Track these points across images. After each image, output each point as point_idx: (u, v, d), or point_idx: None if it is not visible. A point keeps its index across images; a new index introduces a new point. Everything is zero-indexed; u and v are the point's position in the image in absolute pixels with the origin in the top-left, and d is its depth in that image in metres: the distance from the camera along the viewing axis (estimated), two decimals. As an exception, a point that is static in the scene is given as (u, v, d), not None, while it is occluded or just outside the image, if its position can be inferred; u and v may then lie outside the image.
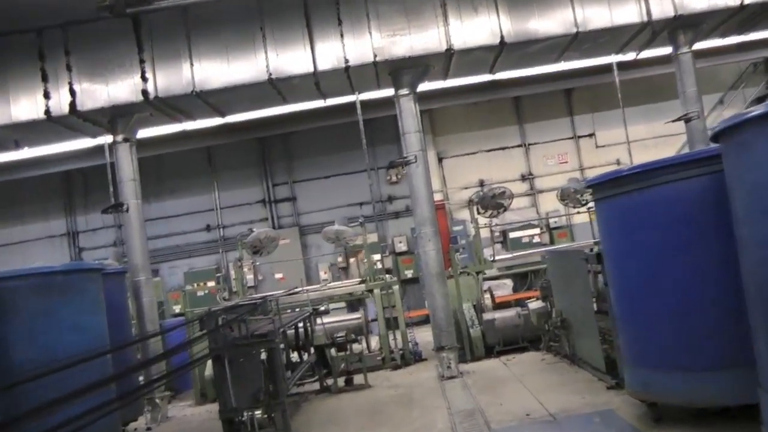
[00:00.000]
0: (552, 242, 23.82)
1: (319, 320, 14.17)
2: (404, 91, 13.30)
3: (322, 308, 14.23)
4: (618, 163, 24.41)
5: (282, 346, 13.54)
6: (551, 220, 24.30)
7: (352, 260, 23.83)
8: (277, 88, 13.42)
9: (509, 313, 14.58)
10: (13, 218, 25.82)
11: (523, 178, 24.73)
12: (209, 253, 25.56)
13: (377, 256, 17.49)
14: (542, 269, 16.08)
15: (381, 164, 24.25)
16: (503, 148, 24.94)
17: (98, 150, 21.45)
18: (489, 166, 24.43)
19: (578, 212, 17.45)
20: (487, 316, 14.59)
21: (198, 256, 25.53)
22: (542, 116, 24.93)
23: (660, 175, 7.32)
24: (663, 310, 7.46)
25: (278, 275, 24.38)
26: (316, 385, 13.93)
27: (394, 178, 24.57)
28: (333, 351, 13.62)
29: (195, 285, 24.44)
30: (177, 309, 23.95)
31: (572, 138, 24.98)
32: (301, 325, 13.97)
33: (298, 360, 14.03)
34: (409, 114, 13.22)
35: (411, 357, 15.36)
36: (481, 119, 24.83)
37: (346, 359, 13.71)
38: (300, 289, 15.41)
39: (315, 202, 24.77)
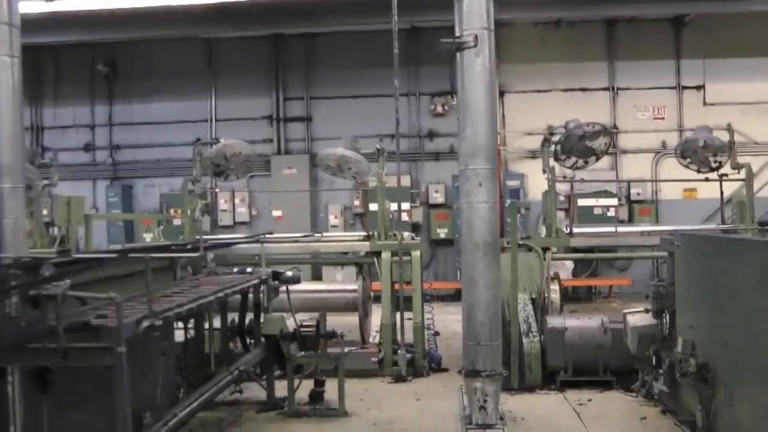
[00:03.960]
0: (631, 218, 18.55)
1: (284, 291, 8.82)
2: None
3: (289, 273, 8.74)
4: (729, 128, 18.69)
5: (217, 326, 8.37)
6: (633, 191, 18.76)
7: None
8: None
9: (590, 322, 9.01)
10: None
11: (605, 130, 18.95)
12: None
13: (399, 205, 11.99)
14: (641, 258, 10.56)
15: (426, 89, 19.05)
16: (584, 90, 19.44)
17: (80, 20, 16.81)
18: (563, 109, 18.50)
19: (706, 180, 11.65)
20: (552, 321, 9.08)
21: (182, 175, 20.17)
22: (640, 54, 19.17)
23: None
24: None
25: (276, 212, 19.38)
26: (263, 392, 8.61)
27: (439, 109, 19.34)
28: (293, 347, 8.21)
29: (173, 211, 19.36)
30: (148, 238, 19.15)
31: (675, 88, 19.34)
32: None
33: (241, 350, 8.77)
34: (471, -37, 7.56)
35: (424, 365, 9.96)
36: (560, 48, 19.30)
37: (316, 360, 8.31)
38: (247, 238, 9.99)
39: (335, 126, 19.12)
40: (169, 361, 6.72)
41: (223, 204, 20.24)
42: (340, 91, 19.68)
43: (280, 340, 8.06)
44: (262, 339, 8.27)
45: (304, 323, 8.23)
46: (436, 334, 11.95)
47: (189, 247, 8.84)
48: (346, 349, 9.48)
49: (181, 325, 7.47)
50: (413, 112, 19.38)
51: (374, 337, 11.05)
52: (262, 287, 8.34)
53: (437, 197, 19.05)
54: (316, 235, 11.44)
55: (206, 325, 8.20)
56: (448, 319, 13.63)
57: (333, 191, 19.18)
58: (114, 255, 6.22)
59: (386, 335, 9.96)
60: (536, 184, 18.19)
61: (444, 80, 18.99)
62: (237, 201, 20.24)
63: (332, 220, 19.47)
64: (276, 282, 8.64)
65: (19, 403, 4.49)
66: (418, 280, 10.11)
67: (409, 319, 10.16)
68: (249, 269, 8.85)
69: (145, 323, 4.89)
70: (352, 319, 11.12)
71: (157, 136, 20.45)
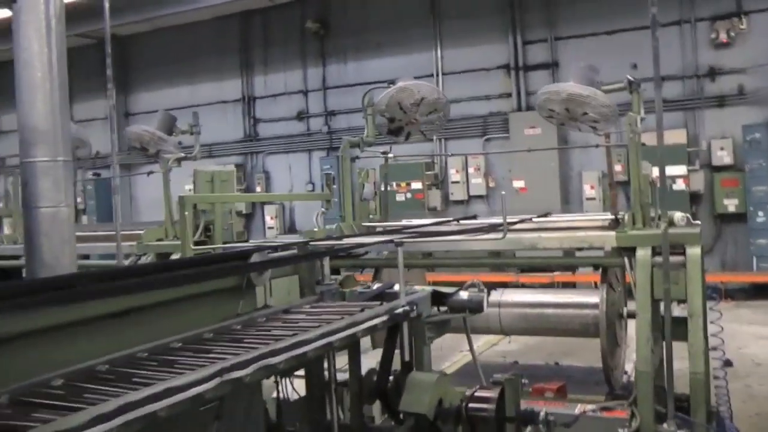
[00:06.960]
0: None
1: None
2: None
3: (464, 293, 5.07)
4: None
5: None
6: None
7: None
8: None
9: None
10: (183, 76, 20.50)
11: None
12: (420, 140, 17.37)
13: (662, 170, 7.94)
14: None
15: (704, 13, 15.10)
16: None
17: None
18: None
19: None
20: None
21: (405, 142, 17.29)
22: None
23: None
24: None
25: (518, 183, 15.93)
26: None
27: (723, 37, 14.86)
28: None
29: (394, 185, 16.70)
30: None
31: None
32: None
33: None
34: None
35: (709, 438, 5.94)
36: None
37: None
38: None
39: (587, 72, 15.17)
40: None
41: (454, 174, 17.08)
42: (591, 27, 15.88)
43: (436, 421, 4.43)
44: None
45: (476, 394, 4.49)
46: (727, 364, 7.80)
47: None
48: (577, 410, 5.83)
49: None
50: (687, 44, 14.96)
51: (629, 375, 7.09)
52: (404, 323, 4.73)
53: (723, 156, 14.48)
54: (535, 219, 7.58)
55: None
56: (742, 333, 9.48)
57: (587, 151, 14.90)
58: None
59: (644, 389, 5.94)
60: None
61: (724, 3, 14.50)
62: (471, 170, 16.93)
63: (587, 190, 15.79)
64: (441, 309, 5.04)
65: None
66: (698, 297, 5.98)
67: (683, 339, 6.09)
68: (397, 286, 5.26)
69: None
70: (594, 344, 7.24)
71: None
